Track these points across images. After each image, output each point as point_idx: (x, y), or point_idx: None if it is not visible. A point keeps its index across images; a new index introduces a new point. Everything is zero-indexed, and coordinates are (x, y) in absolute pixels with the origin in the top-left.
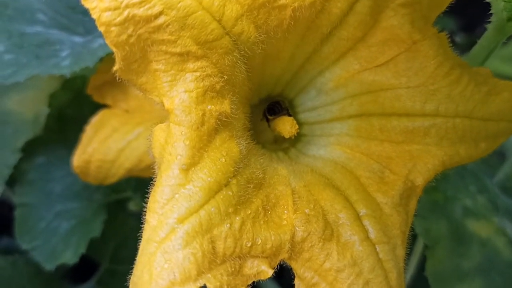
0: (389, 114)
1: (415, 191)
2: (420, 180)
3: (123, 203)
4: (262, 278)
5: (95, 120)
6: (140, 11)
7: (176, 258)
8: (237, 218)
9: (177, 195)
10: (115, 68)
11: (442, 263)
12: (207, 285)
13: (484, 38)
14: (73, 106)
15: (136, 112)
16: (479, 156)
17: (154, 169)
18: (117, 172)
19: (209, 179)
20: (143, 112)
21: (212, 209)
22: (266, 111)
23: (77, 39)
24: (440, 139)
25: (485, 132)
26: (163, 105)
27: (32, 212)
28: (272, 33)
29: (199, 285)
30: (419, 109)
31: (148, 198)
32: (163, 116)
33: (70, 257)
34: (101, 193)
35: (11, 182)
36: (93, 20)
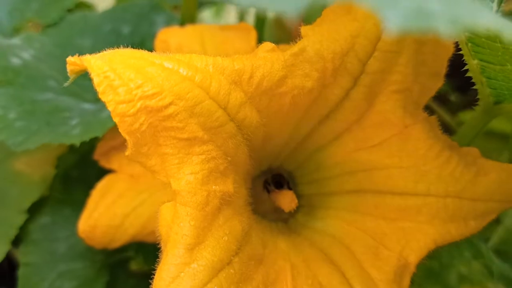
0: (383, 192)
1: (409, 268)
2: (413, 257)
3: (124, 263)
4: None
5: (101, 185)
6: (152, 102)
7: None
8: None
9: (182, 274)
10: (126, 153)
11: None
12: None
13: (472, 119)
14: (79, 168)
15: (141, 177)
16: (469, 234)
17: (156, 235)
18: (122, 238)
19: (213, 258)
20: (148, 177)
21: (215, 287)
22: (266, 184)
23: (87, 106)
24: (432, 218)
25: (474, 211)
26: (170, 186)
27: (36, 272)
28: (273, 116)
29: None
30: (411, 189)
31: (149, 258)
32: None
33: None
34: (104, 253)
35: (15, 240)
36: None
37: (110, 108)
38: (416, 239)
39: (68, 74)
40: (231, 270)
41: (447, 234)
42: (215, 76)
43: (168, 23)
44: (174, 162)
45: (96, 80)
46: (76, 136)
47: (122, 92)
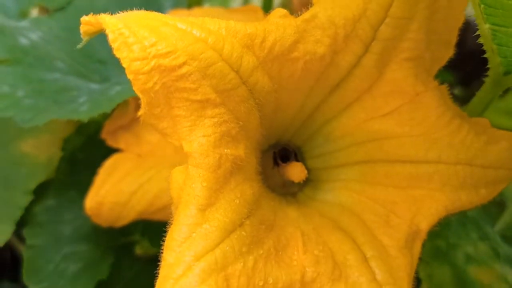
0: (393, 161)
1: (420, 234)
2: (424, 224)
3: (129, 247)
4: None
5: (108, 163)
6: (165, 61)
7: None
8: (250, 257)
9: (194, 234)
10: (139, 113)
11: None
12: None
13: (482, 91)
14: (85, 150)
15: (148, 156)
16: (479, 202)
17: (164, 212)
18: (128, 215)
19: (224, 219)
20: (155, 156)
21: (227, 248)
22: (276, 157)
23: (94, 86)
24: (443, 185)
25: (485, 179)
26: (182, 149)
27: (41, 254)
28: (284, 83)
29: None
30: (422, 157)
31: (155, 241)
32: (175, 161)
33: None
34: (109, 236)
35: (20, 224)
36: (109, 69)
37: (124, 65)
38: (427, 206)
39: (82, 36)
40: (243, 232)
41: (458, 201)
42: (228, 39)
43: (175, 6)
44: (187, 125)
45: (111, 36)
46: (84, 112)
47: (136, 50)
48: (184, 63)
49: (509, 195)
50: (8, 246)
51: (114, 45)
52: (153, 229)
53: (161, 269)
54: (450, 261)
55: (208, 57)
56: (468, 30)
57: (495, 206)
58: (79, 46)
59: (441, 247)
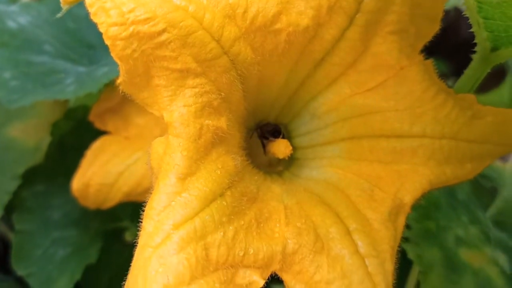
0: (378, 135)
1: (403, 208)
2: (408, 198)
3: (118, 233)
4: None
5: (96, 145)
6: (144, 28)
7: (170, 262)
8: (231, 227)
9: (173, 203)
10: (118, 81)
11: None
12: None
13: (470, 68)
14: (74, 135)
15: (136, 139)
16: (465, 177)
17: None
18: (116, 196)
19: (204, 188)
20: (143, 139)
21: (207, 217)
22: (261, 134)
23: (82, 69)
24: (427, 159)
25: (470, 153)
26: (163, 118)
27: (29, 239)
28: (267, 55)
29: None
30: (407, 131)
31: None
32: None
33: (65, 283)
34: (98, 221)
35: (9, 211)
36: (97, 54)
37: (102, 30)
38: (412, 181)
39: (62, 4)
40: (223, 202)
41: (443, 175)
42: (209, 8)
43: None
44: (167, 95)
45: (88, 1)
46: (70, 92)
47: (114, 15)
48: (163, 30)
49: (501, 181)
50: (0, 237)
51: (91, 10)
52: (141, 215)
53: (140, 237)
54: (440, 243)
55: (188, 25)
56: (461, 19)
57: (487, 191)
58: (59, 15)
59: (431, 229)
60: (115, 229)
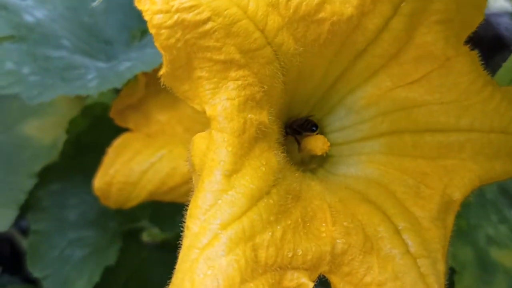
0: (422, 130)
1: (453, 205)
2: (457, 194)
3: (136, 233)
4: None
5: (117, 142)
6: (189, 16)
7: (219, 264)
8: (278, 227)
9: (219, 201)
10: (161, 72)
11: None
12: None
13: (509, 60)
14: (91, 133)
15: (158, 136)
16: None
17: (176, 192)
18: (139, 195)
19: (251, 186)
20: (165, 136)
21: (255, 216)
22: (296, 131)
23: (101, 64)
24: (476, 154)
25: None
26: (205, 113)
27: (45, 239)
28: (309, 46)
29: None
30: (454, 124)
31: (165, 227)
32: (186, 140)
33: (83, 286)
34: (116, 222)
35: (20, 216)
36: (115, 49)
37: (147, 18)
38: (460, 176)
39: None
40: (270, 201)
41: (492, 171)
42: None
43: None
44: (209, 87)
45: None
46: (93, 88)
47: (159, 2)
48: (208, 19)
49: None
50: (8, 238)
51: None
52: (161, 215)
53: (184, 238)
54: (472, 241)
55: (233, 14)
56: None
57: None
58: (95, 4)
59: (462, 227)
60: (132, 230)
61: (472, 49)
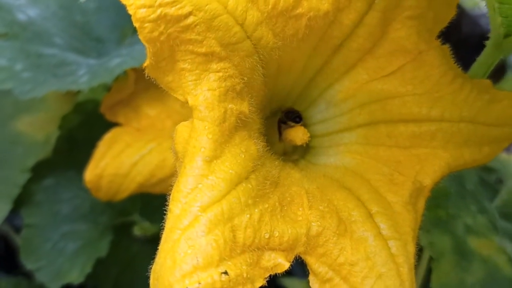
0: (396, 120)
1: (423, 191)
2: (428, 180)
3: (127, 228)
4: (279, 271)
5: (108, 136)
6: (171, 10)
7: (199, 244)
8: (256, 210)
9: (200, 185)
10: (145, 64)
11: (447, 276)
12: (228, 271)
13: (483, 55)
14: (83, 129)
15: (148, 130)
16: (483, 160)
17: (165, 183)
18: (129, 187)
19: (230, 171)
20: (155, 130)
21: (233, 199)
22: (280, 119)
23: (92, 61)
24: (446, 143)
25: (488, 136)
26: (187, 103)
27: (39, 233)
28: (288, 41)
29: (220, 271)
30: (425, 115)
31: (155, 220)
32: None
33: (76, 276)
34: (107, 216)
35: (14, 213)
36: (106, 47)
37: (131, 12)
38: (431, 164)
39: None
40: (249, 185)
41: (461, 158)
42: None
43: None
44: (192, 79)
45: None
46: (84, 83)
47: None
48: (189, 14)
49: (507, 173)
50: (2, 236)
51: None
52: (152, 209)
53: (167, 220)
54: (451, 230)
55: (214, 9)
56: (462, 16)
57: (493, 183)
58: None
59: (441, 217)
60: (123, 224)
61: (449, 46)
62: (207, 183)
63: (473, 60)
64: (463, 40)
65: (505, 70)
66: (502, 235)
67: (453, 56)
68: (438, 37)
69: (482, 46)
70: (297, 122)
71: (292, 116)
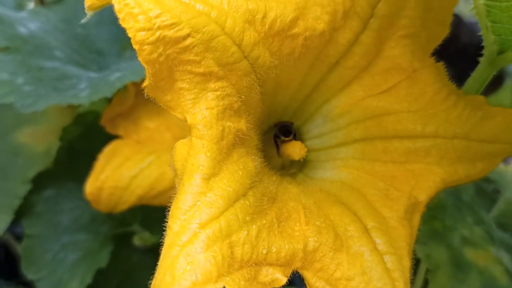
0: (391, 136)
1: (418, 206)
2: (423, 196)
3: (127, 238)
4: (277, 286)
5: (108, 149)
6: (170, 33)
7: (198, 260)
8: (254, 226)
9: (199, 202)
10: (144, 84)
11: (443, 287)
12: (227, 287)
13: (477, 71)
14: (83, 140)
15: (147, 142)
16: (477, 176)
17: (164, 196)
18: (129, 199)
19: (228, 188)
20: (154, 143)
21: (231, 216)
22: (275, 134)
23: (93, 74)
24: (440, 159)
25: (481, 152)
26: (186, 121)
27: (39, 243)
28: (285, 59)
29: (218, 287)
30: (420, 131)
31: (155, 230)
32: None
33: (76, 287)
34: (107, 226)
35: (14, 221)
36: (106, 60)
37: (130, 35)
38: (426, 179)
39: (86, 10)
40: (246, 202)
41: (455, 174)
42: (230, 13)
43: None
44: (190, 98)
45: (117, 7)
46: (85, 97)
47: (141, 20)
48: (188, 35)
49: (504, 183)
50: (2, 244)
51: (120, 15)
52: (152, 220)
53: (166, 237)
54: (447, 242)
55: (211, 30)
56: (460, 26)
57: (490, 193)
58: (84, 20)
59: (438, 229)
60: (123, 234)
61: (448, 55)
62: (205, 201)
63: (472, 69)
64: (461, 50)
65: (502, 79)
66: (498, 245)
67: (451, 66)
68: (437, 47)
69: (480, 56)
70: (287, 136)
71: (283, 131)
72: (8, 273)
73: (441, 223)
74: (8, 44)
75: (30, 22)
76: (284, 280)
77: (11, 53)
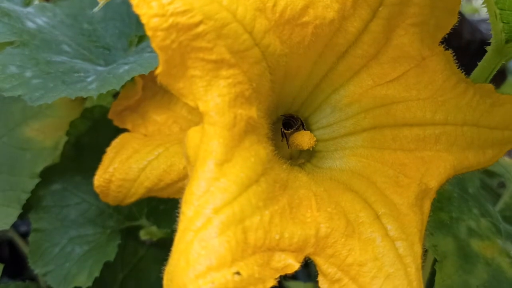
0: (401, 124)
1: (429, 193)
2: (433, 182)
3: (134, 232)
4: (289, 272)
5: (116, 142)
6: (183, 19)
7: (212, 245)
8: (267, 212)
9: (212, 188)
10: (157, 71)
11: (450, 278)
12: (241, 272)
13: (484, 60)
14: (90, 135)
15: (155, 135)
16: (487, 163)
17: (172, 188)
18: (137, 192)
19: (241, 174)
20: (162, 135)
21: (244, 201)
22: (283, 126)
23: (100, 68)
24: (450, 145)
25: (491, 139)
26: (198, 108)
27: (47, 237)
28: (295, 48)
29: (232, 271)
30: (430, 119)
31: (162, 224)
32: (182, 139)
33: (84, 281)
34: (114, 220)
35: (23, 211)
36: (113, 54)
37: (144, 21)
38: (436, 166)
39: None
40: (259, 188)
41: (466, 161)
42: (241, 1)
43: None
44: (202, 85)
45: None
46: (93, 89)
47: (155, 6)
48: (200, 22)
49: (510, 176)
50: (7, 242)
51: (133, 2)
52: (159, 214)
53: (180, 222)
54: (454, 233)
55: (223, 17)
56: (463, 23)
57: (496, 186)
58: (96, 9)
59: (444, 220)
60: (130, 228)
61: (447, 49)
62: (219, 186)
63: (475, 66)
64: (464, 46)
65: (505, 75)
66: (505, 238)
67: (455, 61)
68: (440, 43)
69: (483, 52)
70: (287, 129)
71: (294, 124)
72: (13, 271)
73: (447, 214)
74: (16, 38)
75: (37, 17)
76: (296, 266)
77: (19, 47)
